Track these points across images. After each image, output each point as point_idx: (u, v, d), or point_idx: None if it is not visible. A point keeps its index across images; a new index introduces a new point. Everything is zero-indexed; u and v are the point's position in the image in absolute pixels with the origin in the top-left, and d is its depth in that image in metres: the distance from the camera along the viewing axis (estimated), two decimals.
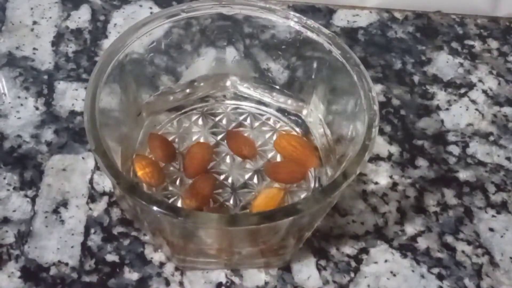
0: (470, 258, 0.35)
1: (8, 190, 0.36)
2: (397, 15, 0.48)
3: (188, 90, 0.37)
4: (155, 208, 0.26)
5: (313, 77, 0.35)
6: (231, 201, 0.34)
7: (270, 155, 0.36)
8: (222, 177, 0.35)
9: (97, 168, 0.37)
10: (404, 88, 0.43)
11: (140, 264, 0.34)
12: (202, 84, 0.38)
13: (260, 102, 0.38)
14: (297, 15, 0.34)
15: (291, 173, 0.35)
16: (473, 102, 0.43)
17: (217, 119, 0.37)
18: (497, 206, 0.38)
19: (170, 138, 0.36)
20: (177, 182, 0.35)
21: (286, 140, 0.36)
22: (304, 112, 0.37)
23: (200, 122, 0.37)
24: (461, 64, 0.45)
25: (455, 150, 0.40)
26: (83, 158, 0.38)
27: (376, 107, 0.30)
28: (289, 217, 0.27)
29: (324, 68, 0.34)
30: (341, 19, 0.47)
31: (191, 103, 0.38)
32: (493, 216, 0.37)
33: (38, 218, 0.35)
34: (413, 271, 0.35)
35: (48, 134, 0.39)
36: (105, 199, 0.36)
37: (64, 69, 0.42)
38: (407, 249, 0.35)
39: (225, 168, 0.35)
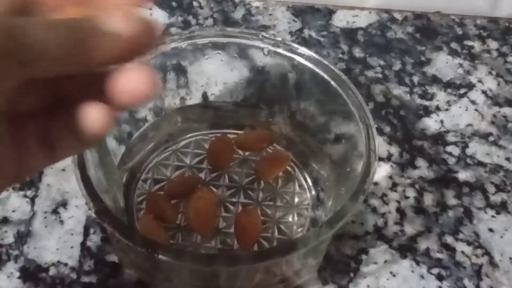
0: (470, 259, 0.35)
1: (7, 190, 0.36)
2: (397, 15, 0.48)
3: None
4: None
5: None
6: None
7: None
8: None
9: None
10: (403, 89, 0.43)
11: None
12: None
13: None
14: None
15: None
16: (473, 102, 0.43)
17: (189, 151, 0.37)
18: (497, 207, 0.38)
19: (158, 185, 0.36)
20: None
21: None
22: None
23: (175, 160, 0.37)
24: (461, 65, 0.45)
25: (455, 150, 0.40)
26: None
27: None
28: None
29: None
30: (340, 19, 0.47)
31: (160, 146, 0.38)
32: (492, 216, 0.37)
33: (37, 218, 0.35)
34: (412, 271, 0.35)
35: None
36: None
37: None
38: (407, 249, 0.35)
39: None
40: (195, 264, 0.27)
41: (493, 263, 0.35)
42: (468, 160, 0.40)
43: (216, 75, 0.37)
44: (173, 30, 0.45)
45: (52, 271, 0.33)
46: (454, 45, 0.46)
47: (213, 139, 0.37)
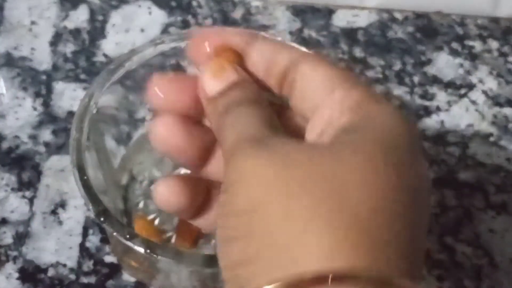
0: (470, 259, 0.35)
1: (6, 191, 0.36)
2: (397, 15, 0.48)
3: None
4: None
5: None
6: None
7: None
8: None
9: None
10: (404, 89, 0.43)
11: None
12: None
13: None
14: None
15: None
16: (473, 102, 0.43)
17: None
18: (497, 207, 0.38)
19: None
20: None
21: None
22: None
23: None
24: (461, 65, 0.45)
25: (455, 151, 0.40)
26: None
27: None
28: None
29: None
30: (340, 19, 0.47)
31: None
32: (493, 217, 0.37)
33: (36, 219, 0.35)
34: None
35: (46, 135, 0.39)
36: None
37: (62, 69, 0.42)
38: None
39: None
40: (194, 265, 0.27)
41: (493, 264, 0.35)
42: (469, 161, 0.40)
43: None
44: (172, 29, 0.45)
45: (51, 272, 0.33)
46: (454, 45, 0.46)
47: None
